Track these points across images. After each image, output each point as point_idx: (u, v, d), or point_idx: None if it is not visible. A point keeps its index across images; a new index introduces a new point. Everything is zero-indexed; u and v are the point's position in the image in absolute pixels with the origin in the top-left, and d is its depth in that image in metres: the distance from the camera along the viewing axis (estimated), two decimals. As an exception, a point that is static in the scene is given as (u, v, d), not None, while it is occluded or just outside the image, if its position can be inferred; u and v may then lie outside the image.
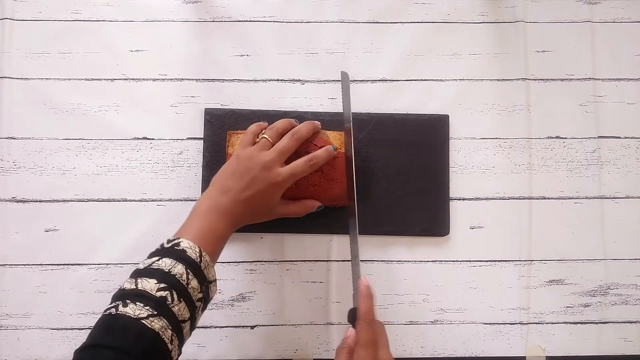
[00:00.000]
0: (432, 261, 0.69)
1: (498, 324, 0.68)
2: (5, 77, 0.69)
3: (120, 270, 0.67)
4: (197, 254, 0.50)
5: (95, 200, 0.68)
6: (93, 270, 0.67)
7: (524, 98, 0.71)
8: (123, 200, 0.69)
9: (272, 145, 0.58)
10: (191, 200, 0.69)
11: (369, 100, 0.71)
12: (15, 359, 0.66)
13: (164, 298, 0.46)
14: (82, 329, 0.67)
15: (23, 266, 0.67)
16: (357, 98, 0.71)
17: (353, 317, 0.52)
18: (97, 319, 0.45)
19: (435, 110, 0.71)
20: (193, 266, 0.49)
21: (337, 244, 0.68)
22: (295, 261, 0.68)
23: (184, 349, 0.67)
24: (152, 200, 0.69)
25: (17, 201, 0.68)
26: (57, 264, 0.67)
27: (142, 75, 0.71)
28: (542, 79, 0.72)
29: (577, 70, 0.72)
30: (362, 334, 0.49)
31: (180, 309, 0.47)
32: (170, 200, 0.69)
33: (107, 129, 0.69)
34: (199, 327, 0.66)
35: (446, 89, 0.71)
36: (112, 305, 0.46)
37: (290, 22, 0.72)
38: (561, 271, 0.69)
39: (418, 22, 0.72)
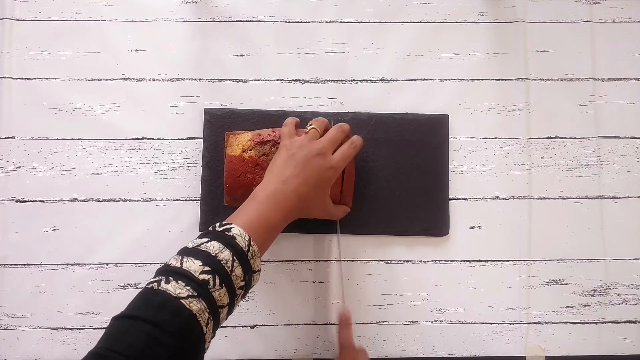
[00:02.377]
0: (432, 261, 0.69)
1: (498, 323, 0.68)
2: (5, 77, 0.69)
3: (120, 270, 0.67)
4: (246, 243, 0.50)
5: (95, 200, 0.68)
6: (93, 270, 0.67)
7: (524, 98, 0.71)
8: (123, 200, 0.69)
9: (320, 136, 0.60)
10: (191, 200, 0.69)
11: (368, 100, 0.71)
12: (15, 358, 0.66)
13: (206, 281, 0.46)
14: (82, 329, 0.67)
15: (23, 266, 0.67)
16: (357, 98, 0.71)
17: None
18: (105, 318, 0.46)
19: (435, 110, 0.71)
20: (240, 254, 0.49)
21: (337, 244, 0.68)
22: (295, 261, 0.68)
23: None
24: (152, 200, 0.69)
25: (17, 201, 0.68)
26: (57, 264, 0.67)
27: (141, 75, 0.71)
28: (542, 79, 0.72)
29: (576, 70, 0.72)
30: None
31: (220, 294, 0.47)
32: (170, 200, 0.69)
33: (106, 129, 0.69)
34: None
35: (446, 88, 0.71)
36: (155, 279, 0.46)
37: (290, 22, 0.72)
38: (561, 271, 0.69)
39: (418, 22, 0.72)
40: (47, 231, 0.68)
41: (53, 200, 0.68)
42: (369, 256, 0.69)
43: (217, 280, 0.46)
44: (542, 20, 0.72)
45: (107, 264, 0.68)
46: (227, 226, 0.50)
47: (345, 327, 0.61)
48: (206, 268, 0.46)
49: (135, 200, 0.69)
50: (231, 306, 0.49)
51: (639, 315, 0.69)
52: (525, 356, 0.68)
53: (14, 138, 0.69)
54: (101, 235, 0.68)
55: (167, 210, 0.68)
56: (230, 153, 0.63)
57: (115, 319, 0.44)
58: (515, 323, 0.68)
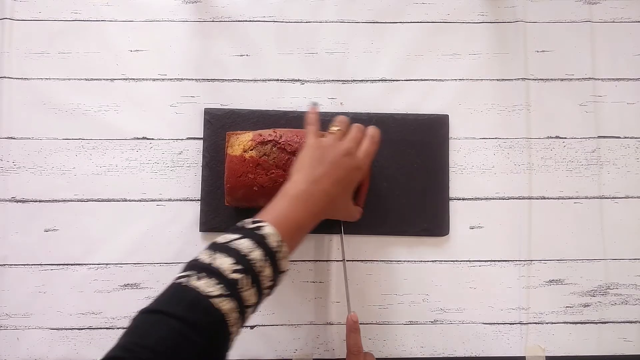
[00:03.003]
0: (432, 261, 0.69)
1: (498, 323, 0.68)
2: (5, 77, 0.69)
3: (120, 270, 0.67)
4: (277, 243, 0.49)
5: (95, 200, 0.68)
6: (93, 270, 0.67)
7: (524, 98, 0.71)
8: (123, 200, 0.69)
9: (343, 136, 0.60)
10: (191, 200, 0.69)
11: (369, 100, 0.71)
12: (15, 358, 0.66)
13: (236, 281, 0.45)
14: (82, 329, 0.67)
15: (23, 266, 0.67)
16: (357, 98, 0.71)
17: None
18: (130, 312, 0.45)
19: (435, 110, 0.71)
20: (270, 255, 0.48)
21: (337, 244, 0.68)
22: (295, 261, 0.68)
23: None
24: (152, 200, 0.69)
25: (17, 201, 0.68)
26: (57, 264, 0.67)
27: (141, 75, 0.71)
28: (542, 79, 0.72)
29: (576, 70, 0.72)
30: None
31: (249, 294, 0.46)
32: (170, 200, 0.69)
33: (106, 129, 0.69)
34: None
35: (446, 89, 0.71)
36: (184, 274, 0.45)
37: (290, 22, 0.72)
38: (561, 271, 0.69)
39: (418, 22, 0.72)
40: (47, 231, 0.68)
41: (53, 200, 0.68)
42: (369, 256, 0.69)
43: (248, 281, 0.46)
44: (542, 20, 0.72)
45: (107, 264, 0.68)
46: (259, 224, 0.49)
47: (354, 331, 0.60)
48: (237, 267, 0.46)
49: (135, 200, 0.69)
50: (257, 305, 0.49)
51: (639, 315, 0.69)
52: (525, 356, 0.68)
53: (14, 138, 0.69)
54: (101, 235, 0.68)
55: (167, 210, 0.68)
56: (232, 153, 0.63)
57: (144, 313, 0.43)
58: (515, 323, 0.68)
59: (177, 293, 0.44)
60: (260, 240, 0.48)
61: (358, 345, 0.59)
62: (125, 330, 0.43)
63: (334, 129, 0.60)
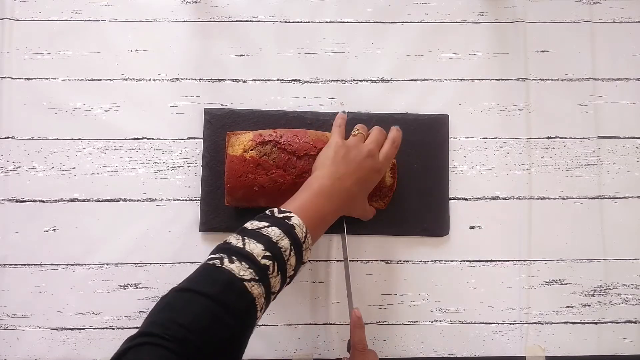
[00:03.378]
0: (432, 261, 0.69)
1: (498, 323, 0.68)
2: (5, 77, 0.69)
3: (120, 270, 0.67)
4: (304, 234, 0.50)
5: (95, 200, 0.68)
6: (93, 270, 0.67)
7: (524, 98, 0.71)
8: (123, 200, 0.69)
9: (365, 139, 0.61)
10: (191, 200, 0.69)
11: (369, 100, 0.71)
12: (15, 359, 0.66)
13: (267, 267, 0.46)
14: (82, 329, 0.67)
15: (23, 266, 0.67)
16: (357, 98, 0.71)
17: (350, 346, 0.59)
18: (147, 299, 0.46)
19: (435, 110, 0.71)
20: (297, 244, 0.49)
21: (337, 244, 0.68)
22: (295, 261, 0.68)
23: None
24: (152, 200, 0.69)
25: (17, 201, 0.68)
26: (57, 264, 0.67)
27: (141, 75, 0.71)
28: (542, 79, 0.72)
29: (576, 70, 0.72)
30: None
31: (276, 281, 0.47)
32: (170, 200, 0.69)
33: (106, 129, 0.69)
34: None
35: (446, 89, 0.71)
36: (216, 256, 0.46)
37: (290, 22, 0.72)
38: (561, 271, 0.69)
39: (418, 22, 0.72)
40: (47, 231, 0.68)
41: (53, 200, 0.68)
42: (369, 256, 0.69)
43: (276, 267, 0.47)
44: (542, 20, 0.72)
45: (107, 264, 0.67)
46: (287, 214, 0.50)
47: (358, 327, 0.59)
48: (267, 253, 0.46)
49: (135, 200, 0.69)
50: (277, 293, 0.49)
51: (639, 315, 0.69)
52: (525, 356, 0.68)
53: (14, 138, 0.69)
54: (101, 235, 0.68)
55: (167, 210, 0.68)
56: (232, 153, 0.63)
57: (177, 291, 0.43)
58: (515, 323, 0.68)
59: (211, 273, 0.44)
60: (289, 230, 0.49)
61: (363, 342, 0.58)
62: (156, 306, 0.43)
63: (356, 132, 0.62)
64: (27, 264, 0.67)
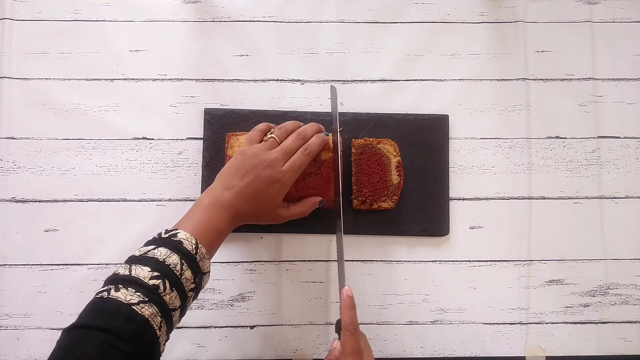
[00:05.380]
0: (432, 261, 0.69)
1: (498, 323, 0.68)
2: (5, 77, 0.69)
3: (120, 270, 0.67)
4: (194, 246, 0.50)
5: (95, 200, 0.68)
6: (92, 270, 0.67)
7: (524, 98, 0.71)
8: (123, 200, 0.69)
9: (278, 144, 0.59)
10: (191, 200, 0.69)
11: (368, 100, 0.71)
12: (15, 359, 0.66)
13: (156, 286, 0.46)
14: (82, 329, 0.67)
15: (23, 266, 0.67)
16: (357, 98, 0.71)
17: (339, 327, 0.54)
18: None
19: (435, 110, 0.71)
20: (188, 257, 0.49)
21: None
22: (295, 261, 0.68)
23: (183, 348, 0.67)
24: (152, 200, 0.69)
25: (17, 201, 0.68)
26: (57, 264, 0.67)
27: (141, 75, 0.71)
28: (542, 79, 0.72)
29: (576, 70, 0.72)
30: (346, 345, 0.51)
31: (171, 297, 0.47)
32: (169, 200, 0.69)
33: (106, 129, 0.69)
34: (198, 327, 0.67)
35: (446, 89, 0.71)
36: (104, 288, 0.46)
37: (289, 22, 0.72)
38: (561, 271, 0.69)
39: (418, 22, 0.72)
40: (47, 231, 0.68)
41: (53, 200, 0.68)
42: (369, 256, 0.69)
43: (167, 284, 0.47)
44: (542, 20, 0.72)
45: (107, 264, 0.67)
46: (173, 232, 0.51)
47: (350, 307, 0.53)
48: (155, 273, 0.47)
49: (135, 200, 0.69)
50: (183, 308, 0.49)
51: (639, 315, 0.69)
52: (525, 356, 0.68)
53: (14, 138, 0.69)
54: (101, 235, 0.68)
55: (167, 210, 0.68)
56: (231, 154, 0.63)
57: (68, 331, 0.44)
58: (515, 323, 0.68)
59: (98, 306, 0.45)
60: (176, 246, 0.49)
61: (355, 323, 0.53)
62: (52, 352, 0.43)
63: (268, 136, 0.59)
64: (27, 264, 0.67)
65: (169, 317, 0.47)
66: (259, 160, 0.56)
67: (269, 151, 0.57)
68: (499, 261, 0.69)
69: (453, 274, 0.69)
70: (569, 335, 0.68)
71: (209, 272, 0.53)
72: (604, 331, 0.68)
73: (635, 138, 0.71)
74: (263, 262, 0.68)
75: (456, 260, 0.69)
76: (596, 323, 0.69)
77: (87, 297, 0.66)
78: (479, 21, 0.73)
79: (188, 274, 0.49)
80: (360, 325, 0.63)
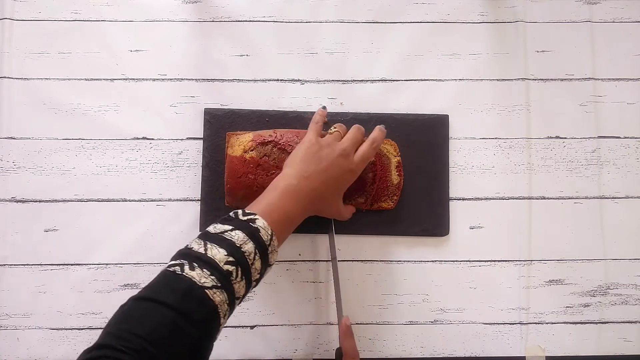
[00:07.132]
0: (432, 261, 0.69)
1: (498, 324, 0.68)
2: (5, 77, 0.69)
3: (120, 270, 0.67)
4: (269, 236, 0.49)
5: (95, 200, 0.68)
6: (93, 270, 0.67)
7: (524, 98, 0.71)
8: (122, 200, 0.69)
9: (342, 137, 0.60)
10: (191, 200, 0.69)
11: (369, 100, 0.71)
12: (15, 359, 0.66)
13: (230, 273, 0.45)
14: (82, 329, 0.67)
15: (23, 266, 0.67)
16: (357, 98, 0.71)
17: (340, 355, 0.59)
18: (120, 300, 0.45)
19: (435, 110, 0.71)
20: (262, 248, 0.48)
21: (337, 244, 0.68)
22: (295, 261, 0.68)
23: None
24: (152, 200, 0.69)
25: (17, 201, 0.68)
26: (57, 264, 0.67)
27: (141, 75, 0.71)
28: (542, 79, 0.72)
29: (576, 70, 0.72)
30: None
31: (240, 286, 0.46)
32: (169, 200, 0.69)
33: (106, 129, 0.69)
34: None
35: (446, 89, 0.71)
36: (177, 262, 0.45)
37: (289, 22, 0.72)
38: (561, 271, 0.69)
39: (418, 22, 0.72)
40: (47, 231, 0.68)
41: (53, 200, 0.68)
42: (369, 256, 0.69)
43: (239, 272, 0.46)
44: (542, 20, 0.72)
45: (107, 264, 0.67)
46: (252, 216, 0.49)
47: (349, 336, 0.59)
48: (231, 259, 0.45)
49: (135, 200, 0.69)
50: (243, 299, 0.48)
51: (639, 315, 0.69)
52: (525, 356, 0.68)
53: (14, 138, 0.69)
54: (101, 235, 0.68)
55: (167, 210, 0.68)
56: (232, 153, 0.63)
57: (135, 300, 0.43)
58: (515, 323, 0.68)
59: (171, 282, 0.44)
60: (253, 233, 0.48)
61: (355, 349, 0.58)
62: (114, 316, 0.42)
63: (332, 130, 0.61)
64: (27, 264, 0.67)
65: (233, 305, 0.46)
66: (332, 150, 0.57)
67: (339, 142, 0.59)
68: (498, 261, 0.69)
69: (453, 274, 0.69)
70: (568, 335, 0.68)
71: (272, 265, 0.52)
72: (604, 331, 0.68)
73: (635, 138, 0.71)
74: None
75: (456, 260, 0.69)
76: (596, 323, 0.69)
77: (87, 297, 0.67)
78: (479, 21, 0.72)
79: (258, 264, 0.48)
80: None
